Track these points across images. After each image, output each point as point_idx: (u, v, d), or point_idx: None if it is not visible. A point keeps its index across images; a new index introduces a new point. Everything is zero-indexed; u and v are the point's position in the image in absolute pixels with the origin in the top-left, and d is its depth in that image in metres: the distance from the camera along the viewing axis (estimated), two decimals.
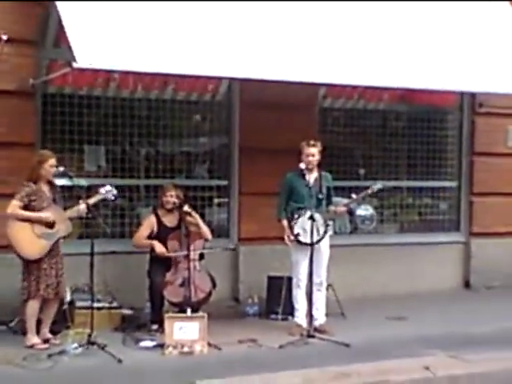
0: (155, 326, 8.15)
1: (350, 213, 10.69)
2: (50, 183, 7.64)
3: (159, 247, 8.37)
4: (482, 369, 7.26)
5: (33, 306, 7.50)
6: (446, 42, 9.43)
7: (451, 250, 11.20)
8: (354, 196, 8.50)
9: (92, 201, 7.68)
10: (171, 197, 8.52)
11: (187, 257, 8.12)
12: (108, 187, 7.85)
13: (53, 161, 7.58)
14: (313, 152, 8.37)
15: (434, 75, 9.02)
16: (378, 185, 8.56)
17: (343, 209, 8.65)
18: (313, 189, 8.29)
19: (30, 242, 7.43)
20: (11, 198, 7.52)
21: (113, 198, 7.87)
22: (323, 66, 8.51)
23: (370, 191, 8.54)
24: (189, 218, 8.42)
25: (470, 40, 9.63)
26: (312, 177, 8.38)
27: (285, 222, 8.38)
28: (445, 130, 11.56)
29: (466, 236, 11.37)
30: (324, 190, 8.42)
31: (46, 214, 7.43)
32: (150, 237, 8.53)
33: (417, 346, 7.82)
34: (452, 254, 11.20)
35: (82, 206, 7.55)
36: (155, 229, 8.56)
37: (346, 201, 8.82)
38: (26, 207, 7.47)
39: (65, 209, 7.65)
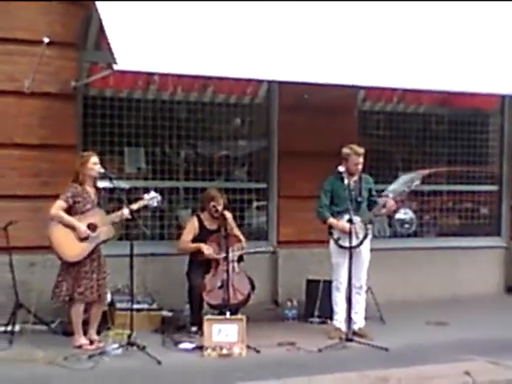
0: (194, 328, 8.17)
1: (389, 216, 10.61)
2: (96, 186, 7.67)
3: (207, 249, 8.36)
4: None
5: (76, 309, 7.56)
6: (487, 45, 9.36)
7: (492, 255, 11.10)
8: (389, 195, 8.36)
9: (135, 206, 7.63)
10: (219, 205, 8.48)
11: (226, 259, 8.13)
12: (152, 193, 7.73)
13: (94, 159, 7.62)
14: (361, 161, 8.32)
15: (474, 78, 8.95)
16: (416, 182, 8.43)
17: (392, 203, 8.29)
18: (353, 192, 8.25)
19: (70, 244, 7.46)
20: (53, 200, 7.60)
21: (156, 204, 7.76)
22: (362, 68, 8.49)
23: (407, 189, 8.41)
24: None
25: (510, 42, 9.55)
26: (352, 180, 8.34)
27: (333, 220, 8.27)
28: (486, 134, 11.47)
29: (507, 240, 11.26)
30: (364, 193, 8.37)
31: (81, 228, 7.43)
32: (192, 240, 8.56)
33: (457, 351, 7.74)
34: (493, 259, 11.10)
35: (126, 211, 7.54)
36: (197, 231, 8.58)
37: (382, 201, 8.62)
38: (70, 208, 7.52)
39: (107, 212, 7.67)
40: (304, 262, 9.68)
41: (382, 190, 9.07)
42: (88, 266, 7.52)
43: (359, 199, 8.31)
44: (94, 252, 7.56)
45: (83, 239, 7.45)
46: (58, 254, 7.54)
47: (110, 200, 8.41)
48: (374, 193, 8.54)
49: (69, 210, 7.52)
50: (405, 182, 8.41)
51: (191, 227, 8.61)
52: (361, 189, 8.37)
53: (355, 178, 8.38)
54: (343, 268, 8.21)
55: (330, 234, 8.33)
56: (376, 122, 10.98)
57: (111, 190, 8.11)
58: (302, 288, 9.26)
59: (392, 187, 8.47)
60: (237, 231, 8.64)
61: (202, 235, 8.52)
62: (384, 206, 8.30)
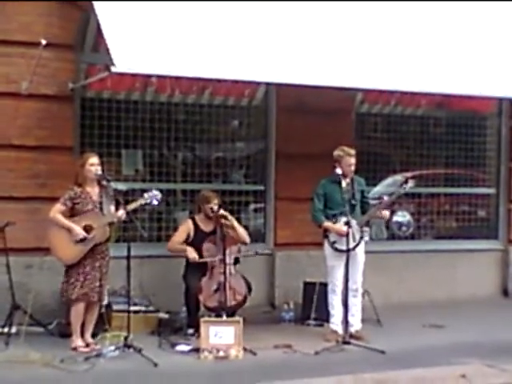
0: (191, 331, 8.17)
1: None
2: (100, 185, 7.64)
3: (190, 252, 8.37)
4: None
5: (78, 309, 7.55)
6: (485, 47, 9.37)
7: (489, 258, 11.10)
8: (385, 198, 8.43)
9: (132, 207, 7.60)
10: (215, 205, 8.47)
11: (223, 261, 8.13)
12: (154, 192, 7.68)
13: (92, 159, 7.60)
14: (354, 162, 8.33)
15: (472, 81, 8.96)
16: (410, 184, 8.47)
17: (383, 211, 8.43)
18: (346, 194, 8.24)
19: (65, 247, 7.48)
20: (50, 201, 7.62)
21: (156, 202, 7.73)
22: (360, 71, 8.50)
23: (402, 191, 8.47)
24: (225, 222, 8.40)
25: (508, 45, 9.56)
26: (344, 182, 8.33)
27: (328, 223, 8.29)
28: (483, 137, 11.46)
29: (504, 243, 11.25)
30: (357, 196, 8.37)
31: (77, 230, 7.41)
32: (186, 242, 8.55)
33: (453, 354, 7.75)
34: (490, 262, 11.09)
35: (121, 212, 7.53)
36: (192, 234, 8.58)
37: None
38: (71, 210, 7.53)
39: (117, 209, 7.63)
40: (301, 265, 9.68)
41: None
42: (89, 267, 7.51)
43: (353, 201, 8.31)
44: (96, 253, 7.54)
45: (79, 241, 7.44)
46: (56, 257, 7.57)
47: None
48: (366, 194, 8.56)
49: (71, 213, 7.53)
50: (388, 184, 8.46)
51: (185, 228, 8.60)
52: (354, 191, 8.37)
53: (348, 180, 8.37)
54: (339, 270, 8.22)
55: (326, 237, 8.34)
56: (373, 124, 10.98)
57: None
58: (299, 290, 9.25)
59: (376, 189, 8.50)
60: (239, 229, 8.55)
61: (198, 237, 8.51)
62: (378, 208, 8.34)
